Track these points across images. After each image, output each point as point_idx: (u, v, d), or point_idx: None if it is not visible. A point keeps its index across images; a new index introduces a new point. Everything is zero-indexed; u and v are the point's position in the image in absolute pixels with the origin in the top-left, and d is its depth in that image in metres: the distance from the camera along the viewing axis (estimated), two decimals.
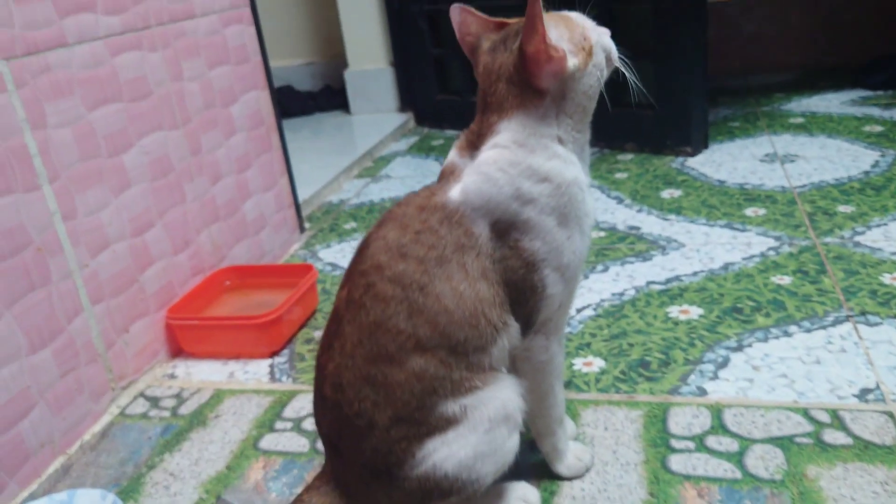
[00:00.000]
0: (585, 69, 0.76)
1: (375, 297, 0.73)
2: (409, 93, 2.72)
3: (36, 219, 1.03)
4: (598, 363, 1.13)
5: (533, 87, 0.75)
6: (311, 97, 3.00)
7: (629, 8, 2.01)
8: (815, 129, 2.04)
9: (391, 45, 2.69)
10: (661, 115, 1.97)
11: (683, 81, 1.93)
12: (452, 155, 0.81)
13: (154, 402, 1.17)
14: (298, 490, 0.89)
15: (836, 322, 1.15)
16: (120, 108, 1.19)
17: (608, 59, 0.79)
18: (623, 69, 0.81)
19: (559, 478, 0.90)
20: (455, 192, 0.76)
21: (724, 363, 1.08)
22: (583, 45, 0.76)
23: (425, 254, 0.73)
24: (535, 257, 0.75)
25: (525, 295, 0.76)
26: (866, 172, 1.70)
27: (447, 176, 0.80)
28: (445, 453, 0.73)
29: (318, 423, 0.80)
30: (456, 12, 0.82)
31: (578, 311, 1.28)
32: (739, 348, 1.12)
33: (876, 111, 2.12)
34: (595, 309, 1.28)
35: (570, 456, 0.89)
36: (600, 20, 0.80)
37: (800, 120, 2.13)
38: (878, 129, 1.97)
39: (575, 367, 1.12)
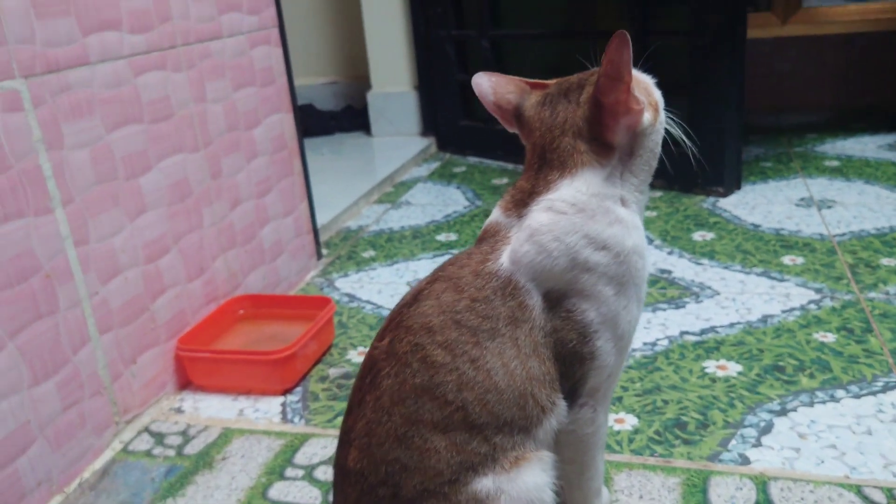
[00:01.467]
0: (655, 125, 0.72)
1: (424, 360, 0.68)
2: (431, 117, 2.67)
3: (46, 244, 0.98)
4: (630, 420, 1.06)
5: (603, 141, 0.70)
6: (333, 117, 2.97)
7: (665, 42, 1.96)
8: (852, 173, 1.98)
9: (416, 68, 2.65)
10: (692, 152, 1.91)
11: (717, 119, 1.87)
12: (496, 214, 0.76)
13: (159, 438, 1.11)
14: None
15: (887, 388, 1.07)
16: (140, 129, 1.15)
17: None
18: (671, 128, 0.77)
19: None
20: (506, 261, 0.71)
21: (768, 428, 1.01)
22: (650, 100, 0.72)
23: (479, 324, 0.69)
24: (589, 327, 0.69)
25: (574, 366, 0.70)
26: None
27: (493, 237, 0.74)
28: None
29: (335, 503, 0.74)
30: (483, 78, 0.77)
31: None
32: (783, 412, 1.05)
33: None
34: (627, 359, 1.22)
35: None
36: (634, 56, 0.76)
37: (835, 163, 2.07)
38: None
39: None
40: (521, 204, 0.74)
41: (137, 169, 1.14)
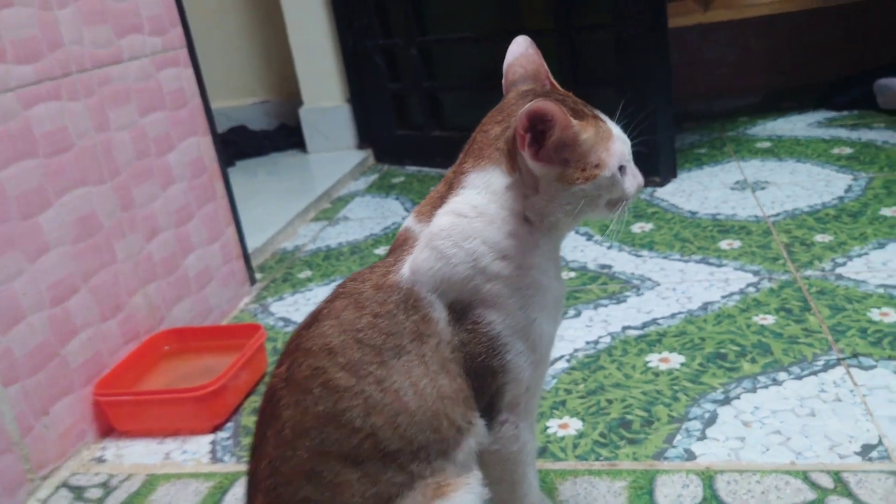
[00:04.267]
0: (568, 186, 0.66)
1: (326, 385, 0.63)
2: (367, 129, 2.62)
3: None
4: (574, 424, 1.03)
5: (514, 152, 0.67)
6: (267, 137, 2.89)
7: (591, 37, 1.95)
8: (784, 153, 1.99)
9: (347, 80, 2.60)
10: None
11: (649, 109, 1.86)
12: (409, 220, 0.72)
13: (78, 492, 1.03)
14: None
15: (828, 366, 1.06)
16: (35, 164, 1.08)
17: (612, 201, 0.69)
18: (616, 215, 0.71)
19: None
20: (407, 271, 0.66)
21: (712, 419, 0.99)
22: (591, 161, 0.66)
23: (382, 342, 0.64)
24: (497, 340, 0.66)
25: (486, 381, 0.66)
26: (840, 198, 1.64)
27: (401, 245, 0.70)
28: None
29: None
30: (523, 43, 0.75)
31: (551, 363, 1.18)
32: (727, 401, 1.02)
33: (843, 132, 2.07)
34: (569, 360, 1.18)
35: None
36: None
37: (767, 144, 2.08)
38: (848, 150, 1.92)
39: (550, 431, 1.02)
40: (435, 207, 0.70)
41: (35, 207, 1.07)
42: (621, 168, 0.68)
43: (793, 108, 2.37)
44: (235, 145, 2.82)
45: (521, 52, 0.75)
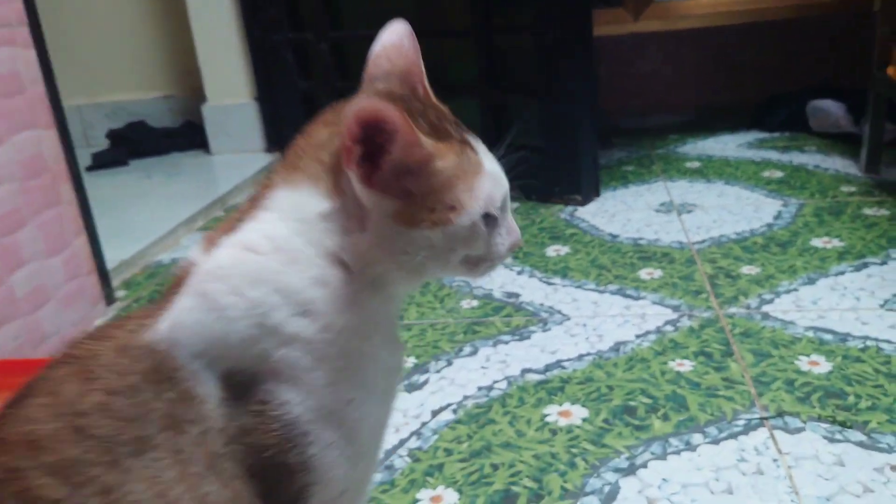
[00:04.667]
0: (408, 229, 0.48)
1: (22, 496, 0.43)
2: (275, 130, 2.41)
3: None
4: (449, 498, 0.84)
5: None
6: (168, 135, 2.64)
7: (512, 42, 1.79)
8: (713, 174, 1.87)
9: (254, 76, 2.39)
10: (548, 159, 1.74)
11: (571, 123, 1.71)
12: (194, 251, 0.52)
13: None
14: None
15: (749, 427, 0.91)
16: None
17: (472, 258, 0.52)
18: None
19: None
20: (164, 325, 0.47)
21: (613, 494, 0.82)
22: (445, 201, 0.49)
23: (117, 433, 0.44)
24: (295, 426, 0.46)
25: (281, 484, 0.47)
26: (769, 225, 1.51)
27: (175, 288, 0.50)
28: None
29: None
30: (398, 31, 0.57)
31: (434, 413, 1.00)
32: (632, 470, 0.86)
33: (774, 154, 1.97)
34: (455, 411, 1.00)
35: None
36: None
37: (696, 164, 1.96)
38: (778, 174, 1.81)
39: None
40: (225, 233, 0.51)
41: None
42: (487, 217, 0.50)
43: (724, 128, 2.27)
44: (131, 142, 2.57)
45: (392, 41, 0.57)
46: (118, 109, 2.74)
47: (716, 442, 0.89)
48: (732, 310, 1.19)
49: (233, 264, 0.48)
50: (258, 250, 0.48)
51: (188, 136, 2.64)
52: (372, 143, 0.47)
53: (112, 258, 1.48)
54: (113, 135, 2.64)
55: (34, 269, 1.23)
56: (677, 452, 0.88)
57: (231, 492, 0.46)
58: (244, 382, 0.47)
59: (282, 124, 2.36)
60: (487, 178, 0.51)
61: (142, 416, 0.45)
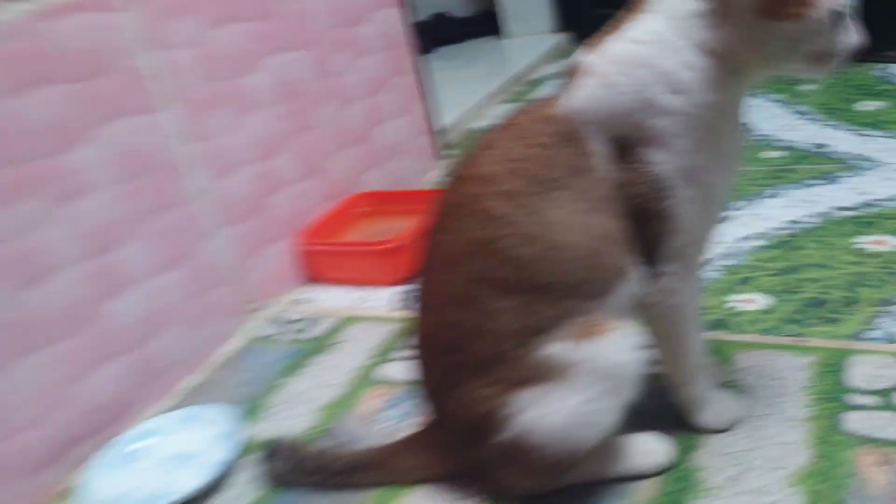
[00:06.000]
0: (765, 22, 0.58)
1: (485, 212, 0.63)
2: (567, 10, 2.52)
3: (156, 142, 1.03)
4: (761, 300, 0.96)
5: None
6: (465, 23, 2.89)
7: None
8: None
9: None
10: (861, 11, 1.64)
11: None
12: (582, 51, 0.68)
13: (282, 326, 1.16)
14: (409, 423, 0.84)
15: None
16: (244, 28, 1.16)
17: (816, 54, 0.61)
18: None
19: (699, 430, 0.76)
20: (567, 100, 0.64)
21: None
22: None
23: (538, 174, 0.63)
24: (663, 180, 0.61)
25: (648, 225, 0.63)
26: None
27: (568, 77, 0.67)
28: (538, 413, 0.62)
29: (420, 378, 0.73)
30: None
31: (743, 239, 1.10)
32: None
33: None
34: (762, 238, 1.09)
35: (714, 406, 0.75)
36: None
37: None
38: None
39: (728, 305, 0.96)
40: (608, 34, 0.66)
41: (244, 68, 1.16)
42: (835, 15, 0.59)
43: None
44: (435, 32, 2.84)
45: None
46: (422, 2, 3.02)
47: None
48: None
49: (622, 51, 0.62)
50: (641, 41, 0.62)
51: (483, 23, 2.86)
52: None
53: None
54: (419, 26, 2.94)
55: (390, 126, 1.52)
56: None
57: (612, 225, 0.63)
58: (626, 146, 0.62)
59: (573, 3, 2.46)
60: None
61: (553, 163, 0.63)
